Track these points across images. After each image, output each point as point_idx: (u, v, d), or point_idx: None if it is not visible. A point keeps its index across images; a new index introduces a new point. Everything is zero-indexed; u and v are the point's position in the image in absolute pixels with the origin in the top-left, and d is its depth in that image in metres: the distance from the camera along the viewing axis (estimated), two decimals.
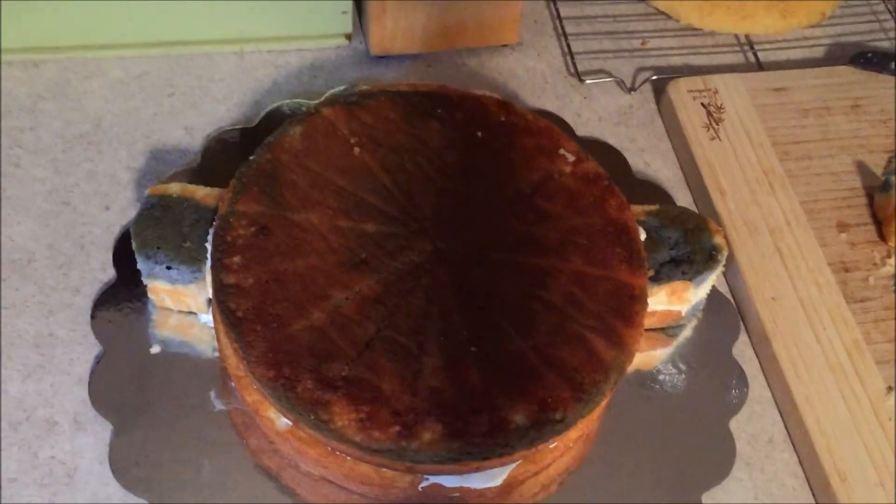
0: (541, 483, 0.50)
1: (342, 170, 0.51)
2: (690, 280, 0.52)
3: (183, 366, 0.52)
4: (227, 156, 0.60)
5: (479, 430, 0.43)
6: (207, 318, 0.52)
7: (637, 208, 0.54)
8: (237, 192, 0.49)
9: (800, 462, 0.53)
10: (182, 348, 0.52)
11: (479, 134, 0.54)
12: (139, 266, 0.50)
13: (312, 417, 0.43)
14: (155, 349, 0.52)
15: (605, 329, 0.47)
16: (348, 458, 0.45)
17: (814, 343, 0.55)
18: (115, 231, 0.57)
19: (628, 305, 0.48)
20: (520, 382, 0.45)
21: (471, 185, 0.52)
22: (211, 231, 0.49)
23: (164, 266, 0.49)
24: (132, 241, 0.50)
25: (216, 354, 0.52)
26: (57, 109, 0.62)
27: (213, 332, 0.52)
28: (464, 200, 0.51)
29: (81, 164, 0.60)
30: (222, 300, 0.46)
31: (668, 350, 0.56)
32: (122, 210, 0.58)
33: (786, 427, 0.54)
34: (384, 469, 0.45)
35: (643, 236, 0.52)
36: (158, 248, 0.49)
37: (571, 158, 0.54)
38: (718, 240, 0.53)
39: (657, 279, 0.52)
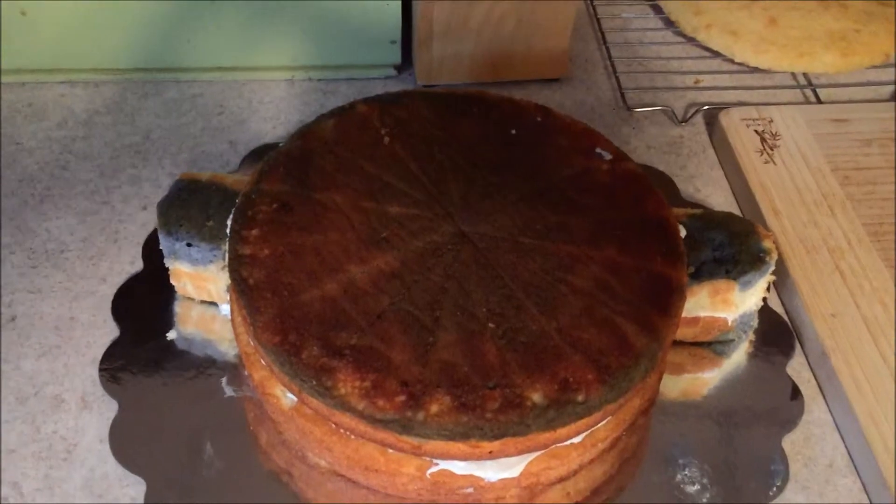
0: (567, 491, 0.45)
1: (371, 156, 0.50)
2: (735, 280, 0.48)
3: (198, 353, 0.50)
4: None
5: (492, 406, 0.40)
6: (228, 308, 0.51)
7: (679, 211, 0.51)
8: (263, 173, 0.49)
9: (864, 487, 0.47)
10: (201, 342, 0.51)
11: (514, 131, 0.53)
12: (161, 245, 0.49)
13: (315, 383, 0.40)
14: (172, 335, 0.50)
15: (637, 315, 0.44)
16: (353, 436, 0.42)
17: (878, 361, 0.50)
18: (149, 229, 0.57)
19: (663, 295, 0.45)
20: (540, 361, 0.41)
21: (502, 177, 0.50)
22: (234, 210, 0.48)
23: (185, 243, 0.49)
24: (157, 219, 0.49)
25: (234, 352, 0.50)
26: (110, 122, 0.64)
27: (232, 325, 0.50)
28: (493, 190, 0.50)
29: (126, 170, 0.61)
30: (235, 269, 0.45)
31: (716, 373, 0.52)
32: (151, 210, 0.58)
33: (847, 450, 0.48)
34: (390, 451, 0.42)
35: (684, 234, 0.49)
36: (181, 225, 0.49)
37: (609, 157, 0.52)
38: (767, 244, 0.50)
39: (698, 276, 0.48)
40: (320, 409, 0.41)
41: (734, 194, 0.62)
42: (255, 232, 0.46)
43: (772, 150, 0.62)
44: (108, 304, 0.52)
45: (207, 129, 0.64)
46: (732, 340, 0.52)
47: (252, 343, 0.43)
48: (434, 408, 0.40)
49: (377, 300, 0.44)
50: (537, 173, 0.51)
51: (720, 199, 0.62)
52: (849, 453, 0.48)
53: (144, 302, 0.52)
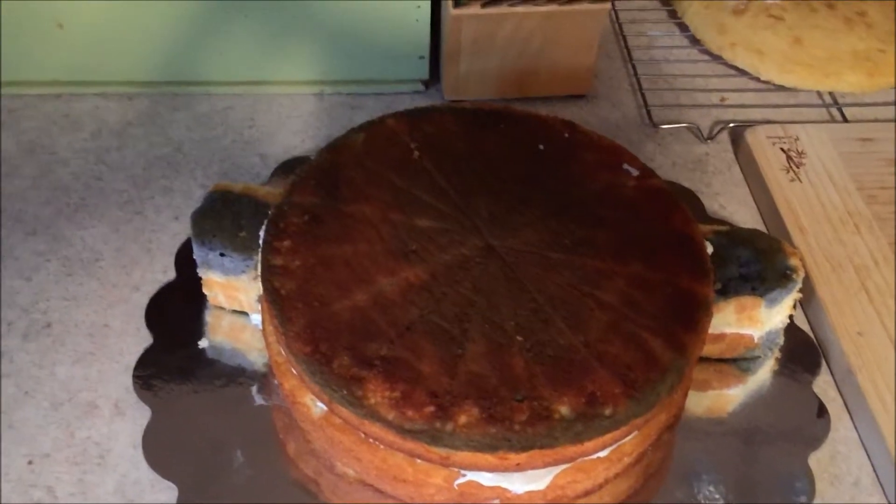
0: None
1: (400, 170, 0.51)
2: (761, 297, 0.48)
3: (228, 362, 0.51)
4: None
5: (520, 418, 0.40)
6: (258, 318, 0.52)
7: (706, 227, 0.52)
8: (294, 185, 0.50)
9: None
10: (231, 351, 0.52)
11: (541, 147, 0.53)
12: (195, 255, 0.50)
13: (345, 393, 0.41)
14: (203, 343, 0.51)
15: (664, 331, 0.44)
16: (381, 445, 0.42)
17: None
18: (182, 239, 0.58)
19: (690, 311, 0.45)
20: (567, 374, 0.42)
21: (529, 191, 0.51)
22: (265, 222, 0.49)
23: (218, 253, 0.49)
24: (191, 230, 0.50)
25: (264, 360, 0.51)
26: (143, 134, 0.65)
27: (262, 335, 0.51)
28: (520, 204, 0.50)
29: (159, 181, 0.62)
30: (268, 279, 0.45)
31: (742, 390, 0.52)
32: (183, 220, 0.59)
33: (873, 468, 0.48)
34: (418, 461, 0.42)
35: (710, 250, 0.49)
36: (214, 235, 0.50)
37: (636, 173, 0.52)
38: (794, 261, 0.50)
39: (724, 293, 0.49)
40: (350, 418, 0.42)
41: (760, 212, 0.63)
42: (286, 243, 0.47)
43: (798, 167, 0.63)
44: (142, 312, 0.53)
45: (238, 141, 0.65)
46: (758, 357, 0.52)
47: (283, 353, 0.44)
48: (463, 419, 0.40)
49: (406, 311, 0.44)
50: (564, 188, 0.51)
51: (745, 216, 0.63)
52: (875, 471, 0.48)
53: (176, 311, 0.53)
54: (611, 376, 0.42)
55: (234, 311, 0.53)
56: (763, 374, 0.52)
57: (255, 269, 0.50)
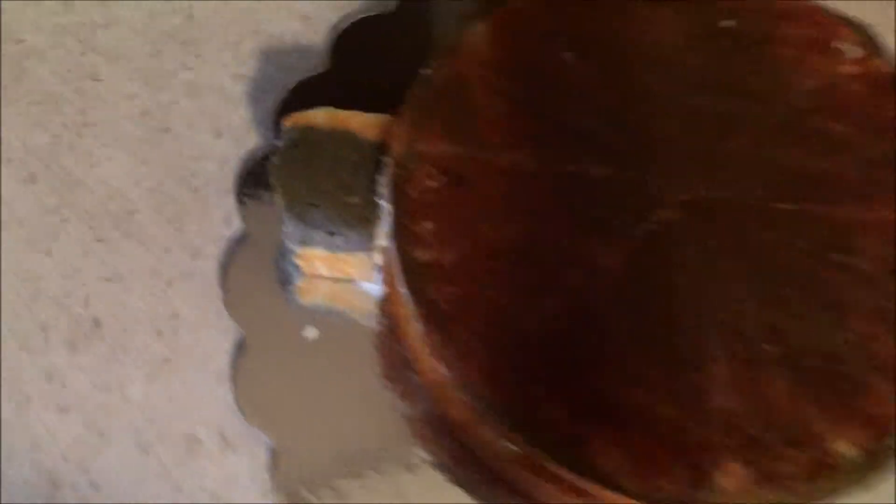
0: None
1: (551, 86, 0.37)
2: None
3: (345, 352, 0.40)
4: (365, 56, 0.46)
5: (795, 470, 0.31)
6: (372, 287, 0.40)
7: None
8: (415, 124, 0.36)
9: None
10: (337, 322, 0.40)
11: (726, 24, 0.39)
12: (287, 229, 0.37)
13: (563, 455, 0.31)
14: (310, 332, 0.40)
15: None
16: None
17: None
18: (234, 165, 0.44)
19: None
20: (838, 394, 0.33)
21: (727, 101, 0.38)
22: (380, 178, 0.36)
23: (326, 231, 0.36)
24: (275, 195, 0.37)
25: (380, 327, 0.40)
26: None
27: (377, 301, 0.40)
28: (721, 125, 0.37)
29: (177, 74, 0.46)
30: (417, 287, 0.33)
31: None
32: (239, 137, 0.44)
33: None
34: None
35: None
36: (314, 205, 0.36)
37: (856, 54, 0.39)
38: None
39: None
40: (570, 478, 0.32)
41: None
42: (428, 225, 0.34)
43: None
44: (213, 289, 0.41)
45: None
46: None
47: (459, 394, 0.33)
48: (724, 481, 0.31)
49: (616, 324, 0.33)
50: (772, 92, 0.38)
51: None
52: None
53: (260, 282, 0.41)
54: (893, 389, 0.33)
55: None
56: None
57: (375, 242, 0.37)
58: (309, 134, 0.37)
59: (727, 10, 0.39)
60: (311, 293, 0.41)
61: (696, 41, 0.38)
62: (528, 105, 0.36)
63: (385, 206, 0.35)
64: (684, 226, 0.35)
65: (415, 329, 0.35)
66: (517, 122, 0.36)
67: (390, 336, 0.39)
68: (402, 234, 0.34)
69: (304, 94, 0.44)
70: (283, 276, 0.41)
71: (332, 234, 0.36)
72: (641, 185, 0.36)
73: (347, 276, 0.40)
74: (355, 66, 0.45)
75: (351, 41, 0.46)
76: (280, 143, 0.37)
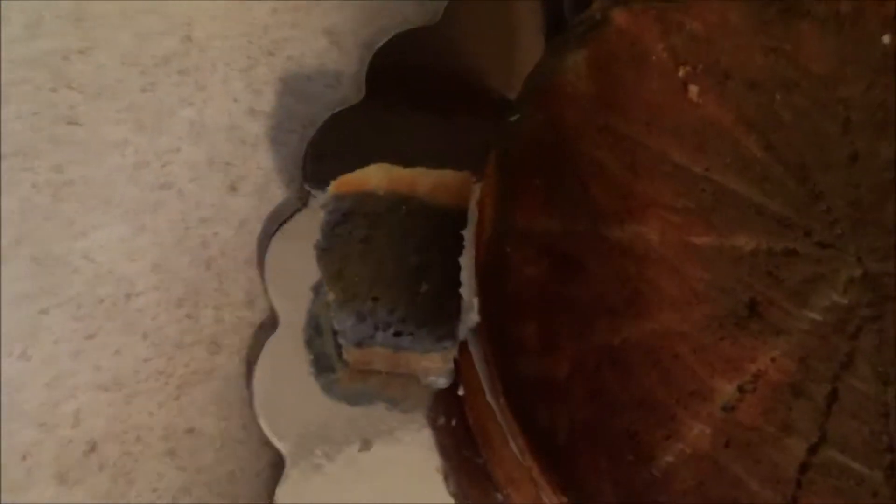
0: None
1: (675, 129, 0.29)
2: None
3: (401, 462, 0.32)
4: (407, 79, 0.37)
5: None
6: (442, 382, 0.32)
7: None
8: (507, 192, 0.27)
9: None
10: (385, 421, 0.32)
11: (886, 39, 0.31)
12: (341, 327, 0.29)
13: None
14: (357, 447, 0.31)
15: None
16: None
17: None
18: (254, 228, 0.35)
19: None
20: None
21: (888, 137, 0.30)
22: (463, 259, 0.28)
23: (392, 332, 0.28)
24: (324, 285, 0.28)
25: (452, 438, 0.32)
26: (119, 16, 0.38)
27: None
28: (888, 171, 0.29)
29: (176, 112, 0.37)
30: (522, 409, 0.25)
31: None
32: (258, 190, 0.36)
33: None
34: None
35: None
36: (375, 298, 0.28)
37: None
38: None
39: None
40: None
41: None
42: (531, 329, 0.26)
43: None
44: (238, 393, 0.32)
45: (279, 10, 0.39)
46: None
47: None
48: None
49: (783, 449, 0.25)
50: None
51: None
52: None
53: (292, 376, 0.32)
54: None
55: None
56: None
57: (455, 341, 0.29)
58: (364, 203, 0.29)
59: (880, 21, 0.31)
60: (355, 382, 0.33)
61: (849, 64, 0.30)
62: (644, 154, 0.28)
63: (470, 298, 0.27)
64: (864, 312, 0.27)
65: (515, 455, 0.27)
66: (635, 179, 0.28)
67: (468, 447, 0.31)
68: (500, 341, 0.26)
69: (338, 133, 0.35)
70: (320, 362, 0.32)
71: (399, 335, 0.28)
72: (802, 259, 0.28)
73: (411, 371, 0.32)
74: (397, 93, 0.37)
75: (388, 60, 0.37)
76: (324, 212, 0.29)
